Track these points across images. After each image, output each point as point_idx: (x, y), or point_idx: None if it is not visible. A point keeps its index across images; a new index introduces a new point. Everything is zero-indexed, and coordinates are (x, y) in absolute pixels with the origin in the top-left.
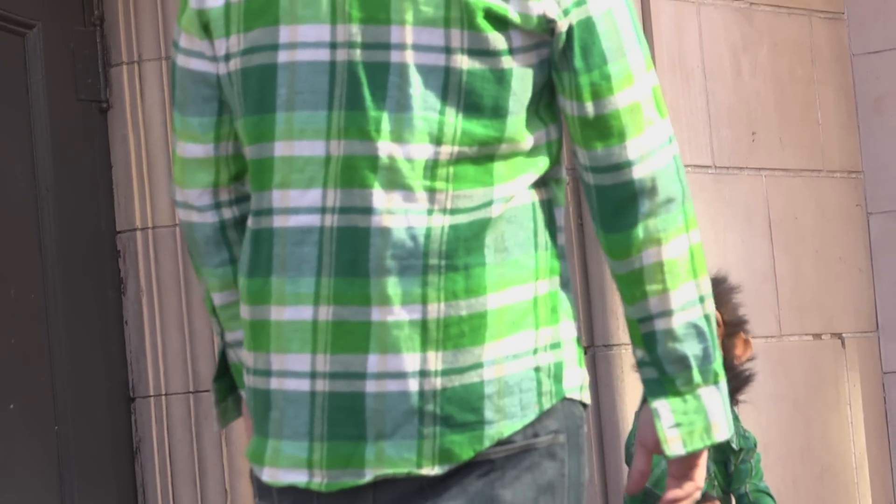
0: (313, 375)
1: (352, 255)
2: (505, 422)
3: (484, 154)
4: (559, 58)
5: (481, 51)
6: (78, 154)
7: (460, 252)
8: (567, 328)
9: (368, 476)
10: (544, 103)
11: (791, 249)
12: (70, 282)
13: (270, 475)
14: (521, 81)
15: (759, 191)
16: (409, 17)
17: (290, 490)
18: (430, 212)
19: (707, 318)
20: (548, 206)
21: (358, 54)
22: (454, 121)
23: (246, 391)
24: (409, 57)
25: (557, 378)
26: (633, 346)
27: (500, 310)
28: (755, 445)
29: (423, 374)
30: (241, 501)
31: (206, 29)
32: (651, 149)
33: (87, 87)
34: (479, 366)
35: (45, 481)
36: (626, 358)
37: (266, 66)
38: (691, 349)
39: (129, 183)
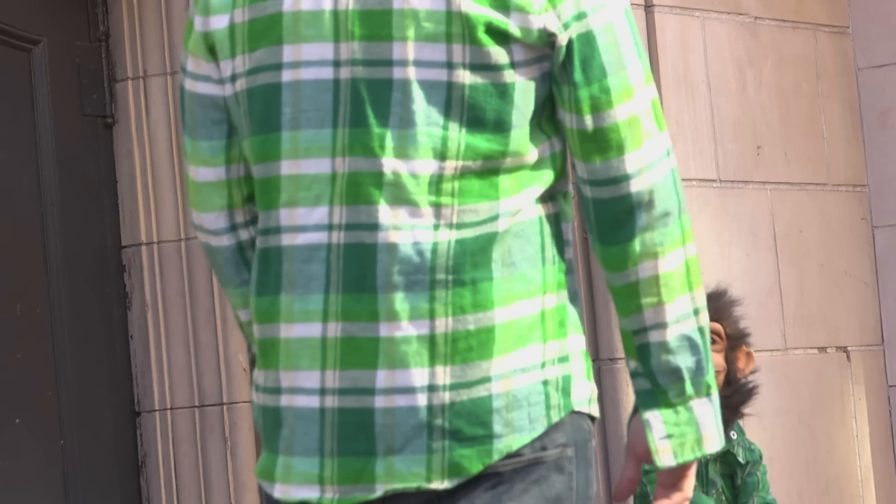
0: (323, 392)
1: (359, 271)
2: (514, 435)
3: (488, 168)
4: (559, 71)
5: (483, 65)
6: (83, 169)
7: (467, 267)
8: (575, 341)
9: (379, 491)
10: (546, 116)
11: (796, 263)
12: (75, 297)
13: (282, 492)
14: (524, 95)
15: (765, 204)
16: (411, 33)
17: None
18: (436, 227)
19: (701, 330)
20: (555, 221)
21: (361, 71)
22: (458, 136)
23: (254, 409)
24: (412, 73)
25: (566, 391)
26: (626, 357)
27: (507, 324)
28: (761, 458)
29: (432, 388)
30: None
31: (212, 51)
32: (649, 162)
33: (92, 103)
34: (487, 380)
35: (51, 495)
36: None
37: (270, 86)
38: (684, 361)
39: (134, 198)
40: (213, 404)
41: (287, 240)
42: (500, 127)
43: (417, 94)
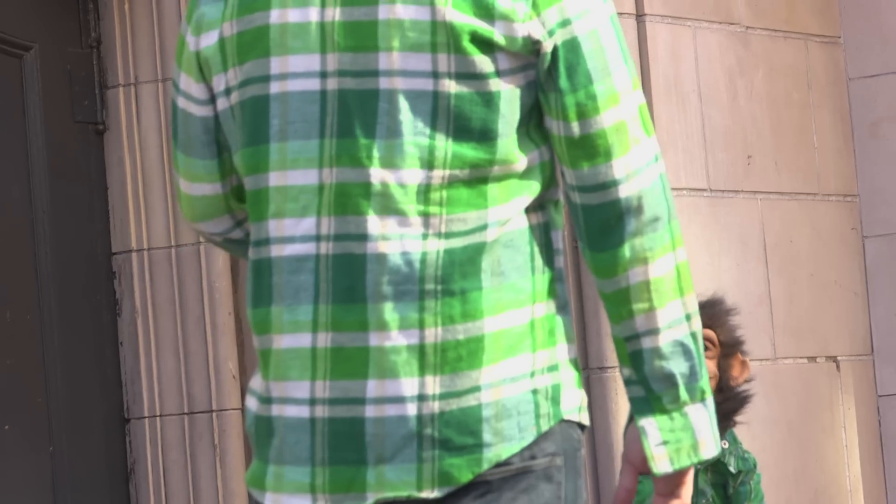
0: (313, 402)
1: (349, 281)
2: (503, 444)
3: (476, 177)
4: (545, 78)
5: (468, 74)
6: (74, 176)
7: (456, 277)
8: (564, 350)
9: (370, 499)
10: (534, 124)
11: (786, 272)
12: (66, 303)
13: (274, 500)
14: (510, 103)
15: (755, 214)
16: (396, 43)
17: None
18: (424, 236)
19: (694, 336)
20: (545, 230)
21: (347, 82)
22: (444, 145)
23: (248, 416)
24: (398, 83)
25: (555, 400)
26: (619, 364)
27: (496, 333)
28: (755, 466)
29: (422, 398)
30: None
31: (202, 71)
32: (637, 168)
33: (83, 109)
34: (476, 389)
35: (40, 502)
36: (620, 380)
37: (259, 98)
38: (678, 367)
39: (124, 205)
40: (203, 411)
41: (276, 251)
42: (487, 135)
43: (403, 104)
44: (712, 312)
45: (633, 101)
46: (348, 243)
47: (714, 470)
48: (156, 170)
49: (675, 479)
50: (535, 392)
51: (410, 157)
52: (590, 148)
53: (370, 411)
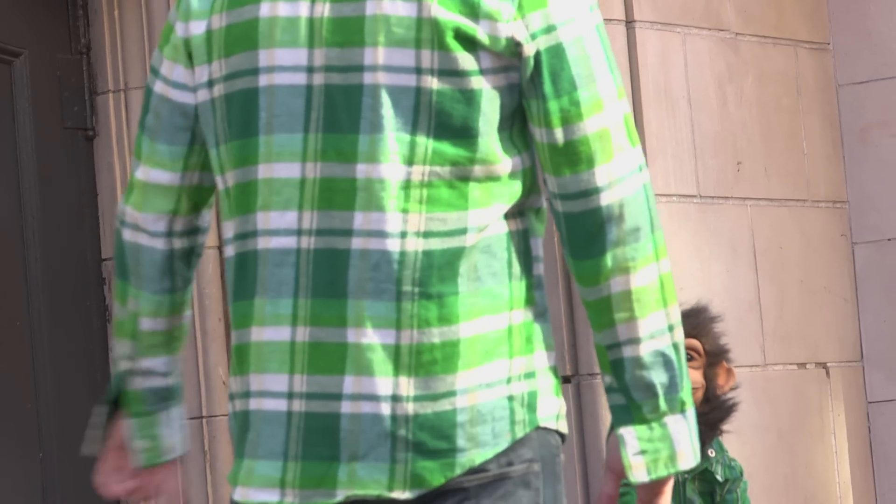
0: (290, 396)
1: (330, 276)
2: (477, 450)
3: (458, 176)
4: (528, 85)
5: (451, 71)
6: (64, 182)
7: (433, 280)
8: (542, 358)
9: (340, 496)
10: (517, 129)
11: (776, 279)
12: (55, 309)
13: (242, 494)
14: (491, 103)
15: (745, 220)
16: (382, 38)
17: None
18: (403, 234)
19: (675, 347)
20: (523, 237)
21: (333, 77)
22: (425, 140)
23: (229, 417)
24: (381, 78)
25: (531, 407)
26: (601, 372)
27: (472, 338)
28: (741, 474)
29: (395, 398)
30: None
31: (189, 57)
32: (620, 176)
33: (73, 115)
34: (451, 394)
35: None
36: None
37: (248, 91)
38: (658, 377)
39: (114, 211)
40: (193, 417)
41: (262, 243)
42: (467, 133)
43: (386, 99)
44: (696, 322)
45: (617, 110)
46: (332, 238)
47: (701, 478)
48: None
49: (654, 488)
50: (510, 398)
51: (392, 153)
52: (572, 155)
53: (346, 407)
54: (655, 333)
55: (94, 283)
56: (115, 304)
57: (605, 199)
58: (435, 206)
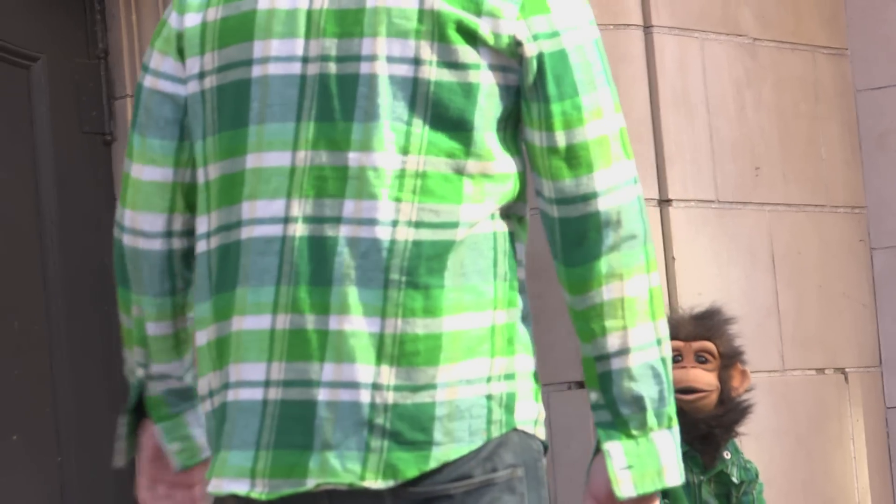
0: (267, 384)
1: (314, 264)
2: (452, 445)
3: (453, 169)
4: (529, 87)
5: (450, 63)
6: (82, 186)
7: (422, 271)
8: (523, 361)
9: (309, 484)
10: (510, 133)
11: (794, 284)
12: (73, 313)
13: (214, 486)
14: (488, 98)
15: (763, 226)
16: (382, 29)
17: (232, 499)
18: (394, 223)
19: (664, 361)
20: (510, 239)
21: (329, 67)
22: (421, 131)
23: (206, 418)
24: (379, 68)
25: (509, 409)
26: (587, 388)
27: (455, 333)
28: (757, 476)
29: (376, 386)
30: None
31: (181, 50)
32: (617, 183)
33: (91, 120)
34: (432, 386)
35: None
36: None
37: (241, 82)
38: (647, 391)
39: None
40: None
41: (246, 233)
42: (463, 126)
43: (383, 89)
44: (711, 324)
45: (615, 121)
46: (320, 226)
47: (717, 480)
48: None
49: (639, 502)
50: (489, 397)
51: (387, 141)
52: (573, 159)
53: (323, 395)
54: (645, 345)
55: (111, 287)
56: (120, 315)
57: (604, 205)
58: (428, 196)
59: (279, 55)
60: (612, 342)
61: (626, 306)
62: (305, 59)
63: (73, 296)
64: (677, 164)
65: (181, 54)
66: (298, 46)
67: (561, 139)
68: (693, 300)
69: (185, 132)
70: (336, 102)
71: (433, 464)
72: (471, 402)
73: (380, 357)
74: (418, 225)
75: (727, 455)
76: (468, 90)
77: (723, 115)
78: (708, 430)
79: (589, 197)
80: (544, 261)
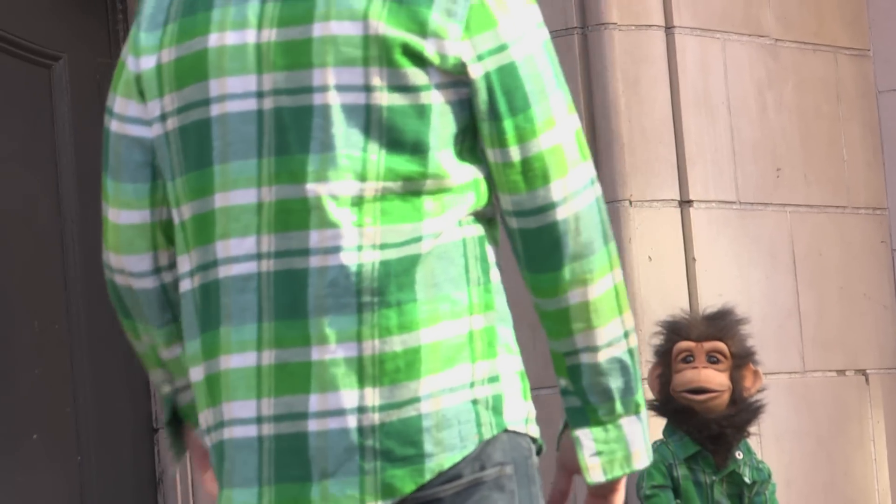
0: (259, 420)
1: (290, 297)
2: (445, 454)
3: (410, 190)
4: (481, 105)
5: (401, 87)
6: None
7: (392, 288)
8: (506, 362)
9: None
10: (468, 147)
11: (815, 285)
12: (94, 313)
13: None
14: (441, 117)
15: (784, 227)
16: (330, 59)
17: None
18: (360, 248)
19: (631, 352)
20: (480, 243)
21: (283, 100)
22: (377, 157)
23: (210, 452)
24: (332, 98)
25: (497, 410)
26: (556, 376)
27: (433, 344)
28: (769, 476)
29: (362, 410)
30: None
31: (142, 93)
32: (574, 190)
33: None
34: (416, 400)
35: None
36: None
37: (202, 122)
38: (615, 382)
39: None
40: None
41: (224, 272)
42: (419, 148)
43: (337, 118)
44: (723, 324)
45: (569, 125)
46: (290, 259)
47: (729, 480)
48: None
49: (608, 485)
50: (475, 402)
51: (343, 170)
52: (528, 171)
53: (313, 425)
54: (612, 341)
55: None
56: (131, 341)
57: (561, 214)
58: (389, 219)
59: (234, 92)
60: (580, 341)
61: (592, 309)
62: (260, 94)
63: (94, 295)
64: (698, 165)
65: (143, 96)
66: (252, 82)
67: (515, 154)
68: (714, 301)
69: (157, 172)
70: (292, 135)
71: (428, 475)
72: (457, 409)
73: (362, 380)
74: (383, 247)
75: (739, 455)
76: (421, 112)
77: (744, 116)
78: (720, 430)
79: (546, 208)
80: None
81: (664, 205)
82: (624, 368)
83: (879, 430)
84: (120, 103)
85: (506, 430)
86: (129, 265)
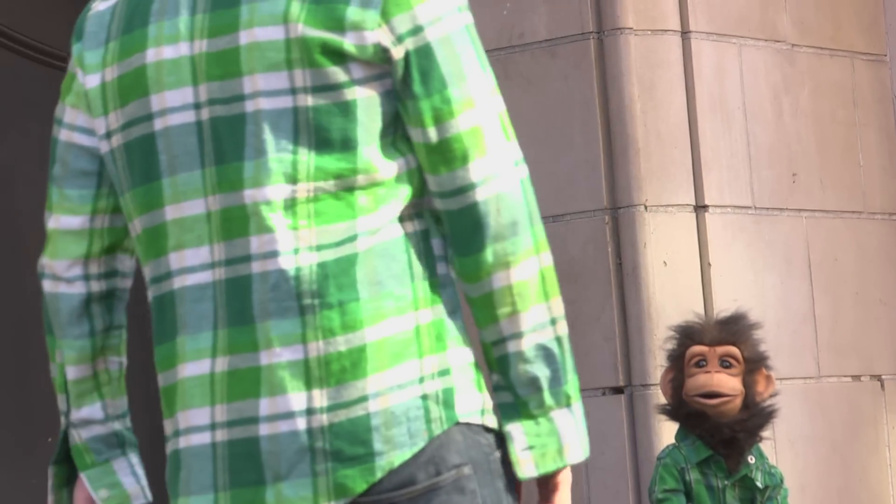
0: (213, 427)
1: (239, 304)
2: (395, 451)
3: (343, 187)
4: (400, 87)
5: (324, 86)
6: None
7: (332, 289)
8: (457, 354)
9: None
10: (400, 135)
11: (831, 291)
12: None
13: None
14: (367, 112)
15: (800, 232)
16: (257, 65)
17: None
18: (296, 251)
19: (559, 340)
20: (422, 237)
21: (218, 110)
22: (307, 158)
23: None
24: (262, 104)
25: (448, 404)
26: (489, 370)
27: (379, 342)
28: (782, 481)
29: (310, 412)
30: None
31: (89, 108)
32: (494, 171)
33: None
34: (364, 399)
35: None
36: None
37: (146, 137)
38: (541, 371)
39: None
40: None
41: (178, 283)
42: (347, 145)
43: (267, 124)
44: (735, 329)
45: (490, 106)
46: (236, 266)
47: (741, 485)
48: None
49: (549, 483)
50: (424, 397)
51: (275, 174)
52: (447, 152)
53: (264, 429)
54: (537, 327)
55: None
56: (50, 365)
57: (482, 195)
58: (323, 219)
59: (174, 105)
60: (505, 327)
61: (516, 292)
62: (197, 106)
63: None
64: (714, 170)
65: (90, 111)
66: (189, 94)
67: (433, 134)
68: (729, 306)
69: (103, 180)
70: (229, 144)
71: (379, 473)
72: (406, 405)
73: (309, 382)
74: (319, 248)
75: (751, 460)
76: (346, 109)
77: (760, 121)
78: (732, 434)
79: (466, 189)
80: (580, 266)
81: (679, 210)
82: (550, 356)
83: (894, 436)
84: (70, 113)
85: (458, 424)
86: (59, 269)
